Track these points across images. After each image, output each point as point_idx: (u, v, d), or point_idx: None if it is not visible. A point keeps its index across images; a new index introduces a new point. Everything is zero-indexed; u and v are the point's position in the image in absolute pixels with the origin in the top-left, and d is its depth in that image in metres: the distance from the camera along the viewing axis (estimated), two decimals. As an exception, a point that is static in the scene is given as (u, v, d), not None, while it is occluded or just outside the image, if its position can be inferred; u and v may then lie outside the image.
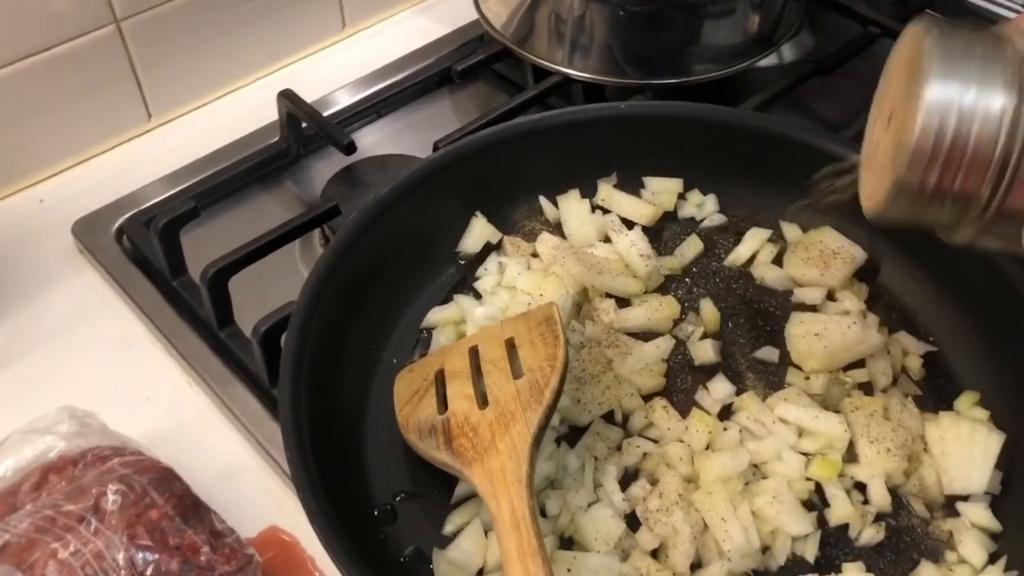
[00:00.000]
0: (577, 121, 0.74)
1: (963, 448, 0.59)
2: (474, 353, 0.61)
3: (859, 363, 0.65)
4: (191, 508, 0.61)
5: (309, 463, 0.54)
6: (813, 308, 0.69)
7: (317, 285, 0.63)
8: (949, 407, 0.63)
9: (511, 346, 0.60)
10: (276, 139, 0.91)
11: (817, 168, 0.71)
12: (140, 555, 0.56)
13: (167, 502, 0.60)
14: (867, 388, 0.64)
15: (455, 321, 0.68)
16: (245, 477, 0.69)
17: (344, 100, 0.97)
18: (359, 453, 0.61)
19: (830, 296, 0.69)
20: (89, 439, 0.64)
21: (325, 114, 0.93)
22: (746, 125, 0.73)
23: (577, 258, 0.68)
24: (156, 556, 0.56)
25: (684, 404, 0.64)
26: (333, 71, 1.02)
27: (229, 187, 0.90)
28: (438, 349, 0.66)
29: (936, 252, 0.66)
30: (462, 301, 0.69)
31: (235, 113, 0.98)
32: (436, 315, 0.68)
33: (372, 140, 0.95)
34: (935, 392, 0.65)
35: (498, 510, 0.50)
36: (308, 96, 0.96)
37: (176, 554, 0.57)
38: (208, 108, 0.99)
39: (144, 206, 0.85)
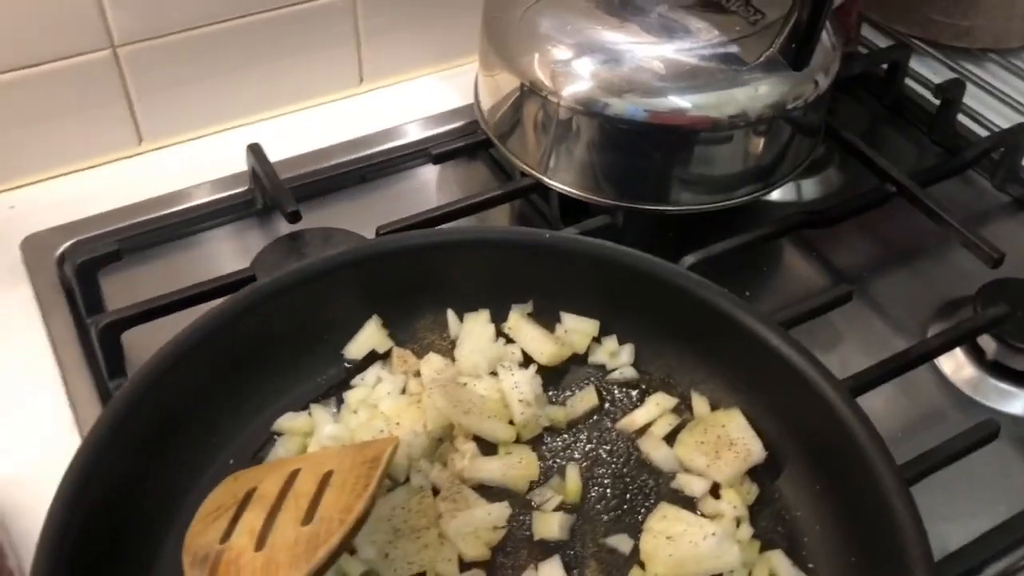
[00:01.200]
0: (498, 241, 0.70)
1: None
2: (293, 478, 0.57)
3: (719, 576, 0.58)
4: (-9, 571, 0.60)
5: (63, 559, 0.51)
6: (691, 500, 0.62)
7: (164, 360, 0.61)
8: (802, 655, 0.55)
9: (326, 481, 0.56)
10: (246, 188, 0.91)
11: (739, 344, 0.65)
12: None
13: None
14: (718, 609, 0.57)
15: (303, 432, 0.64)
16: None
17: (334, 158, 0.95)
18: (149, 564, 0.58)
19: (715, 490, 0.62)
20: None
21: (305, 171, 0.93)
22: (673, 283, 0.67)
23: (447, 392, 0.64)
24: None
25: (506, 581, 0.58)
26: (340, 125, 1.00)
27: (190, 227, 0.89)
28: (272, 461, 0.63)
29: (841, 472, 0.60)
30: (317, 413, 0.65)
31: (230, 151, 0.97)
32: (286, 422, 0.65)
33: (343, 206, 0.93)
34: (790, 634, 0.57)
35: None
36: (311, 145, 0.96)
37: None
38: (204, 141, 0.99)
39: (93, 233, 0.85)
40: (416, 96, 1.05)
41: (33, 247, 0.85)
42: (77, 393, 0.74)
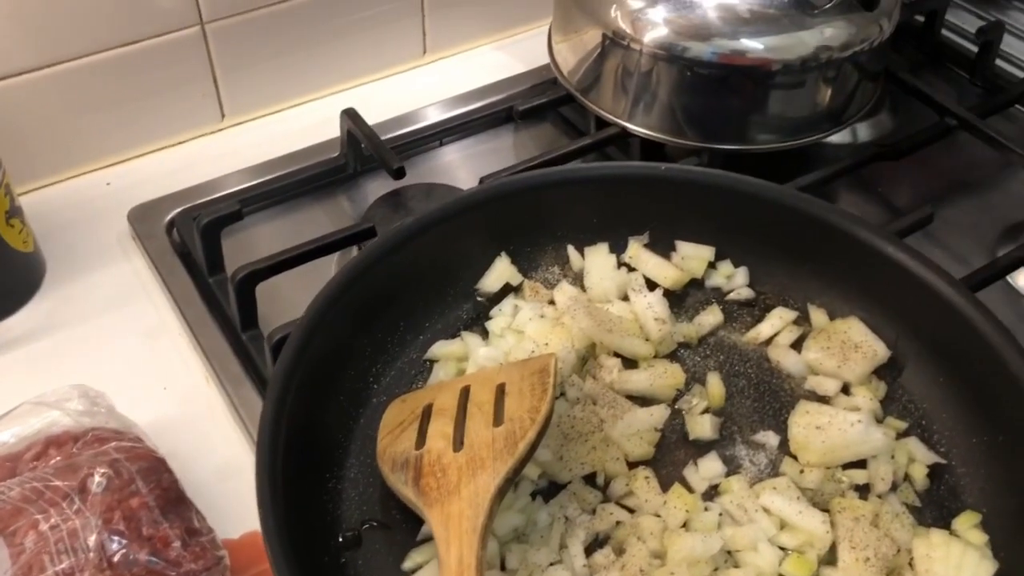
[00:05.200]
0: (616, 176, 0.74)
1: (950, 570, 0.56)
2: (465, 393, 0.61)
3: (861, 463, 0.63)
4: (173, 502, 0.63)
5: (277, 474, 0.55)
6: (825, 399, 0.67)
7: (324, 303, 0.64)
8: (947, 524, 0.60)
9: (501, 391, 0.60)
10: (336, 154, 0.94)
11: (854, 256, 0.70)
12: (112, 540, 0.58)
13: (151, 492, 0.61)
14: (865, 490, 0.62)
15: (457, 357, 0.68)
16: (241, 478, 0.70)
17: (410, 124, 0.99)
18: (338, 474, 0.62)
19: (845, 390, 0.67)
20: (95, 419, 0.67)
21: (389, 136, 0.96)
22: (786, 204, 0.71)
23: (589, 312, 0.68)
24: (126, 544, 0.58)
25: (670, 477, 0.63)
26: (408, 95, 1.04)
27: (284, 194, 0.92)
28: (435, 383, 0.66)
29: (965, 362, 0.65)
30: (468, 339, 0.69)
31: (305, 123, 1.01)
32: (440, 348, 0.68)
33: (429, 166, 0.97)
34: (936, 506, 0.62)
35: (447, 555, 0.50)
36: (380, 116, 0.99)
37: (147, 545, 0.59)
38: (281, 115, 1.02)
39: (198, 201, 0.88)
40: (476, 65, 1.09)
41: (141, 217, 0.87)
42: (209, 346, 0.77)
